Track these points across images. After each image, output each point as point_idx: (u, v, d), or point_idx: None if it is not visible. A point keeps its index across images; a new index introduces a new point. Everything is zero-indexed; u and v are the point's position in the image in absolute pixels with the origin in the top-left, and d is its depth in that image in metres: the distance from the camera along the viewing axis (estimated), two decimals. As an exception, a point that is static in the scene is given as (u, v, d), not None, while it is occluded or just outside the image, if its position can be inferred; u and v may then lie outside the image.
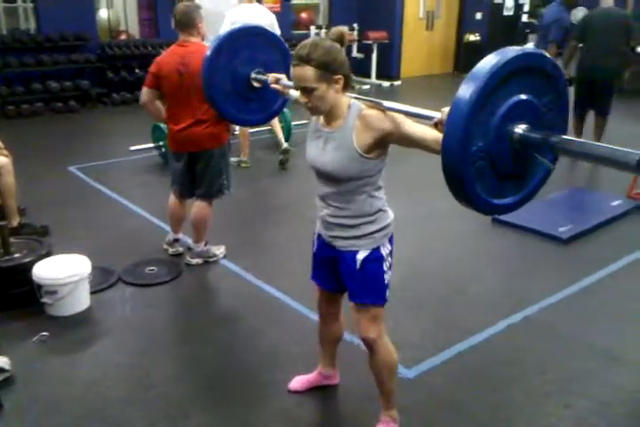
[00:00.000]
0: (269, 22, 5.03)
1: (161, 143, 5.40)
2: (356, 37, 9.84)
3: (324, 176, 1.88)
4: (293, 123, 5.91)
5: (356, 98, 1.81)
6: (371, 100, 1.80)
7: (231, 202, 4.14)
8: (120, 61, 8.14)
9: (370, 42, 9.81)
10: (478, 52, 10.92)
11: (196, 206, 3.39)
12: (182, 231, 3.62)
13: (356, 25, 9.93)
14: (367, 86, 9.58)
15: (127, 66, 8.19)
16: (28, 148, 5.97)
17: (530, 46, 10.24)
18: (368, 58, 9.77)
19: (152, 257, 3.53)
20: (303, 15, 10.43)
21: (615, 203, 4.38)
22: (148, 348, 2.71)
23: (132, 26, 8.92)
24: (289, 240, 3.90)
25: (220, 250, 3.57)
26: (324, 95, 1.73)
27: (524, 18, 11.48)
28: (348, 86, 1.79)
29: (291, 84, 2.26)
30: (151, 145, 5.51)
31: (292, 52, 1.78)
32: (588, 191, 4.77)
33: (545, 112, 1.44)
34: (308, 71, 1.68)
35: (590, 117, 5.71)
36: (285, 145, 5.31)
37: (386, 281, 1.94)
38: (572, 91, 5.48)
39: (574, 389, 2.42)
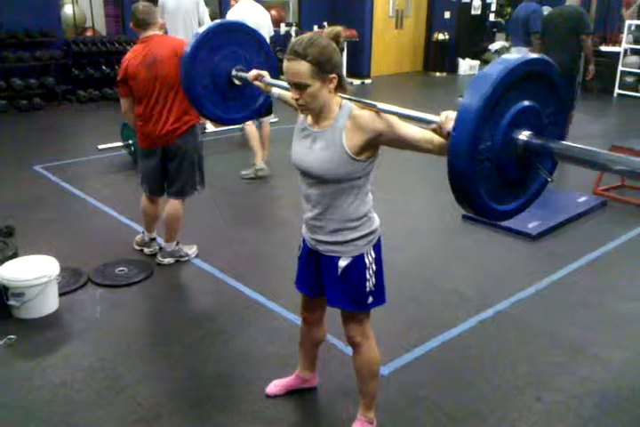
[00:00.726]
0: (269, 21, 5.00)
1: (130, 142, 5.31)
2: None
3: (310, 177, 1.82)
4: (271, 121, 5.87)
5: (348, 99, 1.77)
6: (363, 102, 1.75)
7: (203, 201, 4.11)
8: (86, 58, 7.99)
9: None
10: (447, 50, 11.06)
11: (170, 205, 3.35)
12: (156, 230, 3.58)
13: (325, 23, 9.93)
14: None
15: (93, 62, 8.04)
16: (-9, 147, 5.83)
17: (499, 44, 10.39)
18: (338, 56, 9.77)
19: (122, 257, 3.48)
20: (273, 13, 10.37)
21: (582, 199, 4.47)
22: (119, 350, 2.67)
23: (98, 22, 8.77)
24: (261, 240, 3.88)
25: (191, 250, 3.53)
26: (316, 93, 1.68)
27: (492, 17, 11.65)
28: (340, 87, 1.75)
29: (273, 81, 2.24)
30: (120, 144, 5.42)
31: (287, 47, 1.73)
32: (555, 188, 4.85)
33: (547, 123, 1.45)
34: (303, 66, 1.64)
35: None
36: (261, 165, 5.03)
37: (368, 289, 1.90)
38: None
39: (544, 382, 2.47)
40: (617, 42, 9.18)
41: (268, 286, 3.20)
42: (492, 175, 1.41)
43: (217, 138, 6.17)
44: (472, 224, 4.04)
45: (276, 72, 2.43)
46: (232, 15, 4.91)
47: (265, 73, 2.26)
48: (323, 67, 1.65)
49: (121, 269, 3.34)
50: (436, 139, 1.55)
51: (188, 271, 3.42)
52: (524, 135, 1.39)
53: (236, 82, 2.49)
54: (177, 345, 2.70)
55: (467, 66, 11.06)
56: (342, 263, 1.87)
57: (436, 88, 10.27)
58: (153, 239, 3.58)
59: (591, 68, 5.89)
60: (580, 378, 2.49)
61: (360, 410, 2.12)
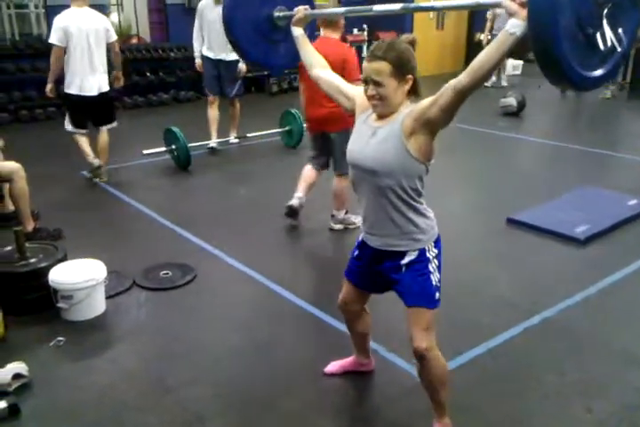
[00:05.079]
0: (104, 27, 4.80)
1: (173, 147, 5.40)
2: (367, 38, 9.82)
3: (362, 169, 1.89)
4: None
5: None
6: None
7: (238, 202, 4.12)
8: (131, 65, 8.17)
9: (380, 42, 9.78)
10: (489, 50, 10.87)
11: (335, 182, 3.92)
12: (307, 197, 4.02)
13: (365, 26, 9.90)
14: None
15: (139, 70, 8.23)
16: (41, 152, 6.01)
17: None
18: (378, 58, 9.71)
19: (166, 261, 3.53)
20: (313, 16, 10.40)
21: (632, 202, 4.32)
22: (164, 353, 2.70)
23: (142, 30, 8.97)
24: (302, 245, 3.89)
25: (357, 219, 3.84)
26: (392, 92, 1.79)
27: (535, 16, 11.40)
28: (414, 92, 1.86)
29: (317, 12, 2.32)
30: (164, 149, 5.52)
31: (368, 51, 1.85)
32: (600, 190, 4.70)
33: None
34: (383, 66, 1.76)
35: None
36: (96, 163, 5.00)
37: (434, 283, 1.95)
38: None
39: (595, 392, 2.38)
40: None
41: (310, 291, 3.19)
42: (576, 34, 1.39)
43: (259, 142, 6.22)
44: (516, 228, 3.96)
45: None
46: (58, 22, 4.62)
47: (307, 6, 2.24)
48: (401, 68, 1.78)
49: (165, 272, 3.40)
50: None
51: (232, 276, 3.45)
52: None
53: (280, 23, 2.40)
54: (220, 349, 2.72)
55: (509, 66, 10.86)
56: (405, 260, 1.94)
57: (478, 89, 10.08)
58: (301, 206, 4.03)
59: None
60: (633, 388, 2.39)
61: (435, 418, 2.12)
